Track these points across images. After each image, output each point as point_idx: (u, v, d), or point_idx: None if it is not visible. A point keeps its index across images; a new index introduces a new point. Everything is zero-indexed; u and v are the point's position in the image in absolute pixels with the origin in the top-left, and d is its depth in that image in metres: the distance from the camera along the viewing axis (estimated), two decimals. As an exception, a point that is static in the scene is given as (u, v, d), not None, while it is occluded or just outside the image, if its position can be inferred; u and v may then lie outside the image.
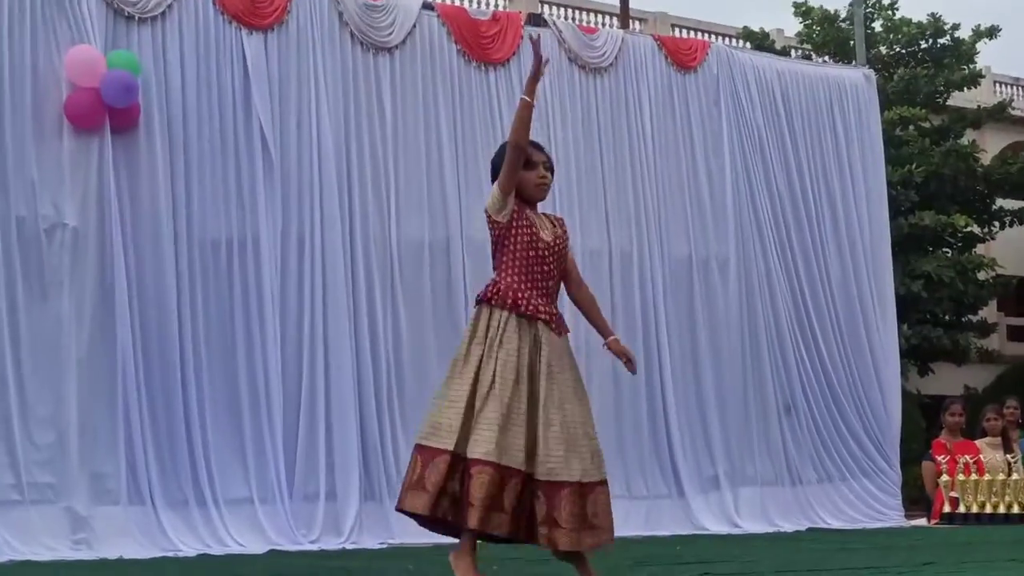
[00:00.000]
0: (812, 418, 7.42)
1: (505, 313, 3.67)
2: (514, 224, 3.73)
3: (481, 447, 3.52)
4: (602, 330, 3.89)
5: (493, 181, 3.81)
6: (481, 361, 3.64)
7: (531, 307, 3.69)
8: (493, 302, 3.69)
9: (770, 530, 6.78)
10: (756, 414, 7.23)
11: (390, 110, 6.43)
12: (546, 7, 15.46)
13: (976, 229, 14.93)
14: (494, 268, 3.75)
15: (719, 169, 7.38)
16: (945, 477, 7.12)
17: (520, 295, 3.70)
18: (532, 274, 3.72)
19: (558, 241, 3.80)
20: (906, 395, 9.39)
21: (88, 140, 5.72)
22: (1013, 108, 17.00)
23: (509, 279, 3.72)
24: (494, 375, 3.61)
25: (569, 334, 3.80)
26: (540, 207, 3.85)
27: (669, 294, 7.07)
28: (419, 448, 3.60)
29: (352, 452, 5.99)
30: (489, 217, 3.76)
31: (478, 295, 3.74)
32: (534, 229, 3.73)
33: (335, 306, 6.12)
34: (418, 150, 6.46)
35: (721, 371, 7.19)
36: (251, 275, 6.00)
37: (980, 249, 15.09)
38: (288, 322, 6.06)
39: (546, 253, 3.75)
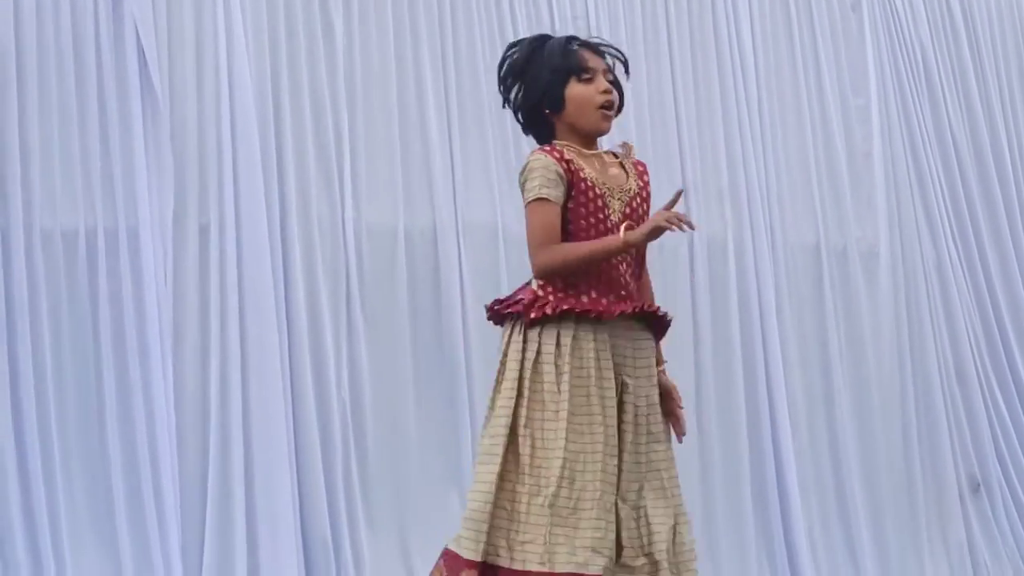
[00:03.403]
0: (1013, 499, 6.99)
1: (569, 339, 3.50)
2: (572, 199, 3.53)
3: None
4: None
5: (525, 129, 3.70)
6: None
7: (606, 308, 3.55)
8: (543, 314, 3.51)
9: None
10: (925, 492, 6.79)
11: (342, 33, 6.01)
12: None
13: None
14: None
15: (862, 111, 7.01)
16: None
17: (583, 298, 3.55)
18: (599, 270, 3.56)
19: (637, 207, 3.62)
20: None
21: None
22: None
23: (561, 286, 3.55)
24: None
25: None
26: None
27: (786, 303, 6.70)
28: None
29: (288, 550, 5.60)
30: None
31: (498, 309, 3.65)
32: (601, 202, 3.55)
33: (259, 328, 5.71)
34: (387, 94, 6.09)
35: (868, 422, 6.77)
36: (126, 284, 5.51)
37: None
38: (184, 354, 5.61)
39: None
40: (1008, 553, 6.84)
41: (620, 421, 3.52)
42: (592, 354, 3.48)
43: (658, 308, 3.65)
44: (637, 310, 3.55)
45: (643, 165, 3.72)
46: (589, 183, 3.52)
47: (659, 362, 3.70)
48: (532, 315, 3.49)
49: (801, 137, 6.86)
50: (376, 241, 6.00)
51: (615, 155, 3.69)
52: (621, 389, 3.53)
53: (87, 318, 5.50)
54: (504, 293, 5.89)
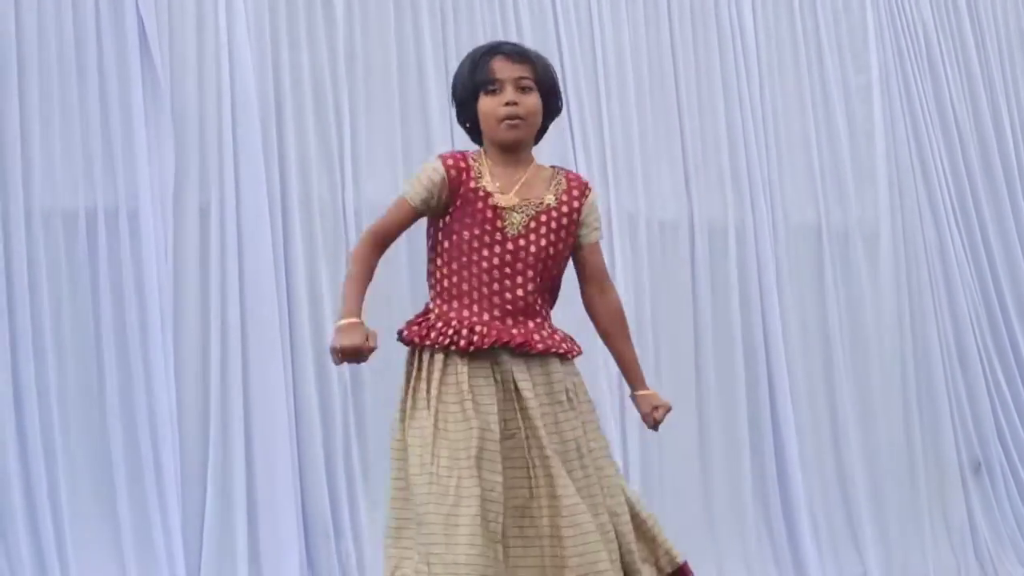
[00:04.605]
0: (1014, 479, 6.91)
1: (441, 356, 3.45)
2: (455, 207, 3.51)
3: None
4: (628, 373, 3.71)
5: (460, 121, 3.66)
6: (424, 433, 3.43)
7: (481, 337, 3.44)
8: (414, 338, 3.49)
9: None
10: (926, 472, 6.70)
11: (343, 12, 5.98)
12: None
13: None
14: (429, 279, 3.60)
15: (862, 91, 6.90)
16: None
17: (464, 320, 3.47)
18: (489, 288, 3.50)
19: (549, 225, 3.53)
20: None
21: None
22: None
23: (447, 300, 3.52)
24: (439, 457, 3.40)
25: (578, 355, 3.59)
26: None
27: (786, 286, 6.62)
28: None
29: (289, 536, 5.59)
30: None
31: (399, 330, 3.55)
32: (492, 213, 3.49)
33: (259, 308, 5.68)
34: (388, 74, 6.04)
35: (870, 405, 6.69)
36: (126, 265, 5.51)
37: None
38: (185, 336, 5.59)
39: (520, 251, 3.51)
40: (1009, 533, 6.79)
41: (528, 442, 3.41)
42: (465, 379, 3.41)
43: (542, 341, 3.49)
44: (515, 344, 3.43)
45: (580, 188, 3.62)
46: (482, 193, 3.49)
47: (640, 383, 3.61)
48: (405, 336, 3.50)
49: (802, 117, 6.78)
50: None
51: (554, 170, 3.62)
52: (522, 406, 3.44)
53: (87, 297, 5.48)
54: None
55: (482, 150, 3.60)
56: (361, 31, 5.98)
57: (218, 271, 5.62)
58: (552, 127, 6.41)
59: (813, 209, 6.75)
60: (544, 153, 6.14)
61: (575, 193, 3.58)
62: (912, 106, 7.02)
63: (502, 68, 3.52)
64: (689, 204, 6.48)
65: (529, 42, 6.16)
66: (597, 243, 3.64)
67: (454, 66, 5.88)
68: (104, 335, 5.45)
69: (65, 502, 5.29)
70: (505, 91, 3.50)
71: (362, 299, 3.53)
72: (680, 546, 6.14)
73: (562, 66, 6.19)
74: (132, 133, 5.54)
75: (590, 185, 3.68)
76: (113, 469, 5.38)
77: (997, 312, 7.05)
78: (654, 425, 3.65)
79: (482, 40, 6.00)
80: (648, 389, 3.65)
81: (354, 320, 3.43)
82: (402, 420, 3.50)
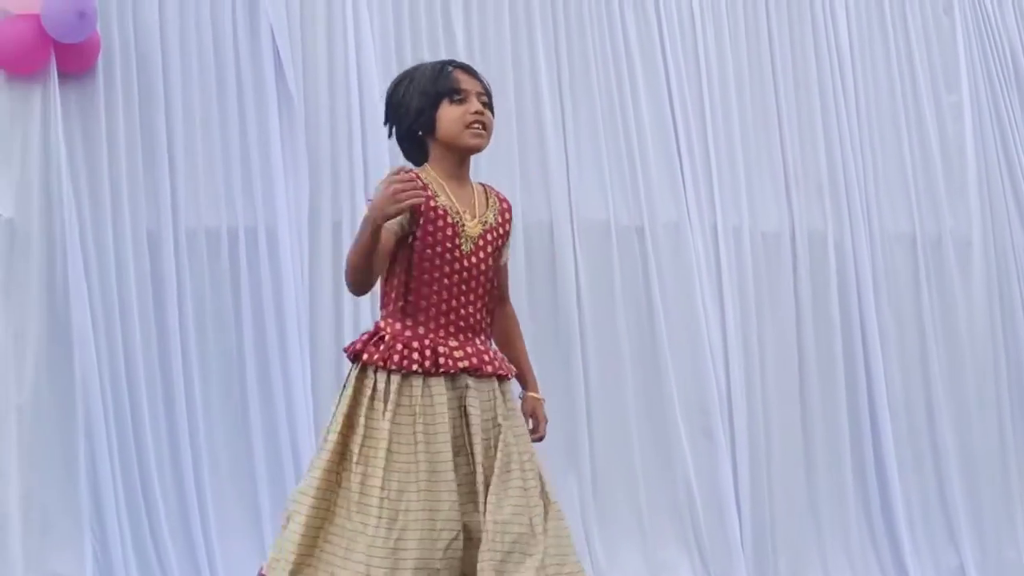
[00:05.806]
0: None
1: (398, 377, 3.35)
2: (420, 227, 3.41)
3: None
4: (520, 378, 3.63)
5: (406, 156, 3.59)
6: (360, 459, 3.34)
7: (446, 359, 3.37)
8: (376, 361, 3.36)
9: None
10: (1019, 470, 6.70)
11: (463, 38, 6.09)
12: None
13: None
14: (382, 298, 3.49)
15: (954, 108, 6.89)
16: None
17: (425, 340, 3.38)
18: (447, 305, 3.42)
19: (492, 244, 3.51)
20: None
21: (27, 92, 5.38)
22: None
23: (400, 319, 3.41)
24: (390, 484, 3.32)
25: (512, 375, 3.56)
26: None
27: (884, 291, 6.62)
28: None
29: None
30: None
31: (349, 347, 3.46)
32: (452, 231, 3.42)
33: None
34: (505, 97, 6.07)
35: (965, 403, 6.69)
36: (266, 280, 5.67)
37: None
38: (321, 348, 5.72)
39: (472, 268, 3.45)
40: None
41: (472, 459, 3.37)
42: (419, 400, 3.34)
43: (491, 363, 3.44)
44: (472, 367, 3.37)
45: (509, 208, 3.59)
46: (441, 211, 3.41)
47: (531, 387, 3.61)
48: (364, 359, 3.37)
49: (897, 133, 6.74)
50: (495, 236, 6.03)
51: (484, 188, 3.61)
52: (469, 426, 3.38)
53: (230, 312, 5.61)
54: (617, 283, 6.00)
55: (427, 167, 3.54)
56: (480, 57, 6.05)
57: (352, 289, 5.77)
58: (660, 142, 6.42)
59: (908, 219, 6.73)
60: (652, 170, 6.26)
61: (507, 216, 3.58)
62: (1001, 122, 6.98)
63: (467, 80, 3.49)
64: (790, 215, 6.50)
65: (636, 56, 6.24)
66: (507, 262, 3.65)
67: (567, 78, 6.16)
68: (246, 348, 5.59)
69: (210, 499, 5.45)
70: (471, 101, 3.47)
71: None
72: (788, 542, 6.23)
73: (668, 80, 6.30)
74: (269, 156, 5.68)
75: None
76: (255, 472, 5.53)
77: (1082, 315, 6.94)
78: (536, 435, 3.61)
79: (594, 68, 6.18)
80: (537, 394, 3.62)
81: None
82: (338, 431, 3.40)
